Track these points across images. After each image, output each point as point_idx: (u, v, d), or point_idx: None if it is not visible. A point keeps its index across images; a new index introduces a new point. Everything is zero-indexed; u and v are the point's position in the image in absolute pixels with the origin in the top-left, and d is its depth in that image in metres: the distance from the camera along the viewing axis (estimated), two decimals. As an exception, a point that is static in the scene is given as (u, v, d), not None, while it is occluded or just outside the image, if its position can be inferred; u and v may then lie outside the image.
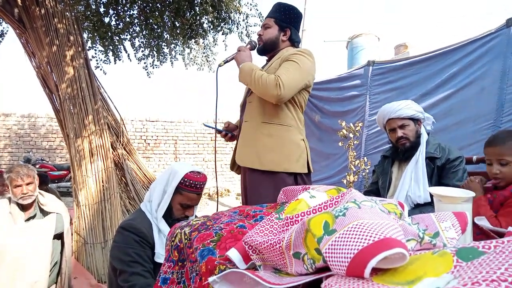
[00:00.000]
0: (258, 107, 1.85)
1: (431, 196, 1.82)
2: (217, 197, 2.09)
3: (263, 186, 1.79)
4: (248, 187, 1.87)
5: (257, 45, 1.96)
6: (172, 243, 0.98)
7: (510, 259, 0.39)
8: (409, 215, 0.88)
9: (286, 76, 1.69)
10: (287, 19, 1.94)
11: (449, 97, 3.36)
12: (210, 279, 0.66)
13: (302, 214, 0.71)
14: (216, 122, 1.97)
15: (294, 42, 1.99)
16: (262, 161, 1.79)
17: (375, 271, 0.50)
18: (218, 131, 2.04)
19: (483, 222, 0.94)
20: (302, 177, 1.89)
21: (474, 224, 0.92)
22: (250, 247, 0.73)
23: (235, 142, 2.09)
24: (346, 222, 0.55)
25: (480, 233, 0.91)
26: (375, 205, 0.63)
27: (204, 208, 6.47)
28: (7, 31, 4.70)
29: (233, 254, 0.76)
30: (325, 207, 0.71)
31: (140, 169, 3.77)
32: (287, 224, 0.72)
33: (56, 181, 7.40)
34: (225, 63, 1.92)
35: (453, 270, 0.44)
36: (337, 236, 0.53)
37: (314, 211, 0.71)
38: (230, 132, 2.05)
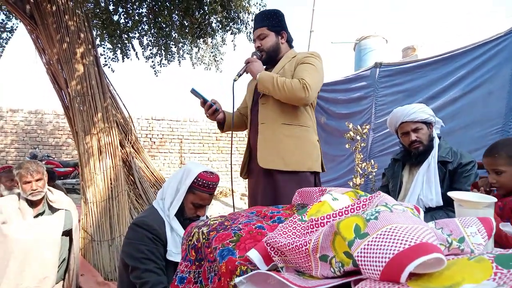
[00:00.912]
0: (276, 109, 1.85)
1: (444, 200, 1.81)
2: (233, 198, 2.08)
3: (288, 187, 1.79)
4: (269, 188, 1.85)
5: (261, 57, 1.95)
6: (190, 242, 0.97)
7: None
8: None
9: (310, 78, 1.73)
10: (278, 23, 1.96)
11: (456, 101, 3.34)
12: (237, 280, 0.66)
13: (328, 217, 0.71)
14: (232, 142, 1.95)
15: (291, 42, 2.03)
16: (287, 162, 1.80)
17: (409, 275, 0.49)
18: (204, 100, 1.95)
19: (508, 228, 0.93)
20: (318, 176, 1.94)
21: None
22: (272, 249, 0.72)
23: (245, 147, 2.09)
24: (379, 226, 0.54)
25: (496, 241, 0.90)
26: (406, 209, 0.62)
27: (209, 209, 6.47)
28: (17, 27, 4.72)
29: (254, 255, 0.76)
30: (352, 210, 0.71)
31: (148, 167, 3.78)
32: (311, 226, 0.72)
33: (62, 177, 7.42)
34: (239, 77, 1.91)
35: (494, 277, 0.43)
36: (370, 239, 0.53)
37: (341, 214, 0.70)
38: (214, 104, 1.96)
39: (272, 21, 1.94)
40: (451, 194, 0.96)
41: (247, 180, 2.13)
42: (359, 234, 0.56)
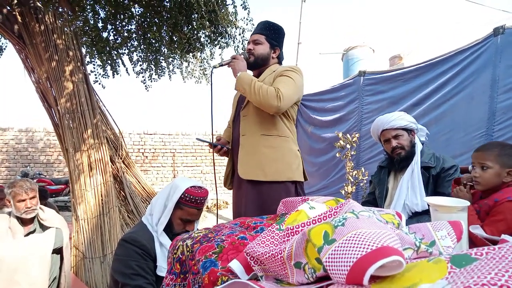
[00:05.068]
0: (255, 120, 1.90)
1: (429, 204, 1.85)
2: (217, 210, 2.10)
3: (268, 197, 1.83)
4: (252, 199, 1.88)
5: (248, 59, 2.00)
6: (174, 255, 0.99)
7: (499, 264, 0.41)
8: (406, 224, 0.90)
9: (285, 89, 1.77)
10: (277, 38, 2.03)
11: (439, 107, 3.41)
12: (214, 290, 0.68)
13: (302, 225, 0.74)
14: (212, 126, 1.99)
15: (281, 60, 2.10)
16: (266, 172, 1.84)
17: (374, 278, 0.52)
18: (212, 145, 2.04)
19: (478, 230, 0.97)
20: (300, 185, 1.97)
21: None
22: (252, 258, 0.75)
23: (227, 157, 2.13)
24: (345, 232, 0.57)
25: (471, 243, 0.93)
26: (372, 215, 0.65)
27: (203, 221, 6.44)
28: (6, 46, 4.74)
29: (235, 265, 0.78)
30: (325, 218, 0.73)
31: (139, 182, 3.78)
32: (287, 235, 0.74)
33: (54, 195, 7.36)
34: (220, 66, 1.96)
35: (447, 276, 0.46)
36: (336, 245, 0.55)
37: (314, 222, 0.73)
38: (224, 146, 2.06)
39: (273, 33, 2.01)
40: (427, 199, 1.00)
41: None
42: (328, 240, 0.58)
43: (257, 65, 2.01)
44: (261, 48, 1.99)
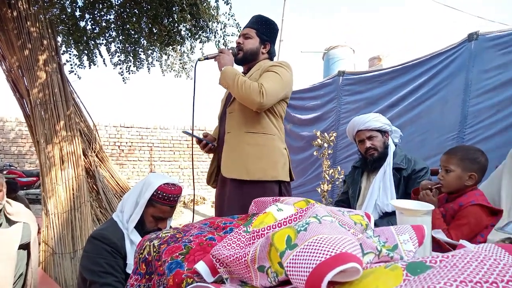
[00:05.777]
0: (240, 117, 1.84)
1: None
2: (193, 206, 2.08)
3: (251, 197, 1.76)
4: (234, 199, 1.82)
5: (236, 54, 1.95)
6: (141, 255, 0.98)
7: (449, 273, 0.42)
8: (376, 225, 0.92)
9: (269, 85, 1.71)
10: (268, 33, 1.98)
11: (415, 108, 3.49)
12: (176, 293, 0.67)
13: (268, 228, 0.74)
14: (193, 120, 1.96)
15: (272, 55, 2.04)
16: (249, 171, 1.78)
17: (333, 284, 0.52)
18: (198, 140, 1.99)
19: (440, 235, 1.00)
20: (285, 185, 1.91)
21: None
22: (217, 260, 0.74)
23: (212, 154, 2.09)
24: (307, 237, 0.57)
25: (436, 247, 0.97)
26: (334, 220, 0.66)
27: (179, 217, 6.39)
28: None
29: (201, 267, 0.77)
30: (290, 221, 0.74)
31: (113, 177, 3.69)
32: (253, 238, 0.74)
33: (25, 187, 7.13)
34: (205, 59, 1.91)
35: (402, 284, 0.47)
36: (298, 250, 0.56)
37: (279, 225, 0.73)
38: (210, 142, 2.01)
39: (264, 28, 1.96)
40: (393, 202, 1.02)
41: None
42: (290, 245, 0.58)
43: (246, 60, 1.97)
44: (250, 43, 1.95)
